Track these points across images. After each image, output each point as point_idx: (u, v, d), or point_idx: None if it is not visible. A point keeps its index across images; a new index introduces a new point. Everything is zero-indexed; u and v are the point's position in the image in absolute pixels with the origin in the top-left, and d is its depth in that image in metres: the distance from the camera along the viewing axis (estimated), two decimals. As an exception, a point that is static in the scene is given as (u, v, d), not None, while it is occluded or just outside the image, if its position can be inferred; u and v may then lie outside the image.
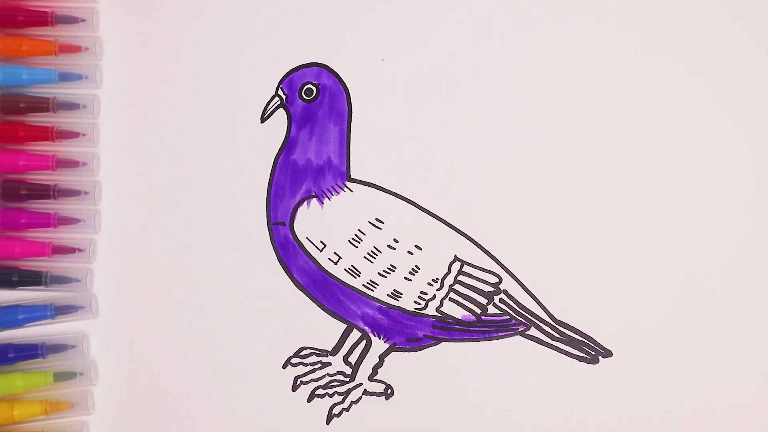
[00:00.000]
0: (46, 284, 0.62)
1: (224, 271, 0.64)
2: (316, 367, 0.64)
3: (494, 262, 0.64)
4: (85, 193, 0.63)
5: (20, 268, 0.62)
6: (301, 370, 0.64)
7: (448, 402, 0.63)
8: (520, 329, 0.64)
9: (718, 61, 0.65)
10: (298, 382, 0.63)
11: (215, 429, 0.63)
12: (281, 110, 0.65)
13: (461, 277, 0.64)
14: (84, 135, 0.63)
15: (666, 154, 0.64)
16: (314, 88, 0.65)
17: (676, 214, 0.64)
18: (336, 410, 0.63)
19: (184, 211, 0.64)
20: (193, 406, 0.63)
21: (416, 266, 0.63)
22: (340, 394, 0.64)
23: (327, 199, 0.64)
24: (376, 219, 0.64)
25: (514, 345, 0.64)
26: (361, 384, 0.64)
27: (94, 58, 0.64)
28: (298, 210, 0.64)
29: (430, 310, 0.64)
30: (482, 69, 0.65)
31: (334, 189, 0.64)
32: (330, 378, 0.64)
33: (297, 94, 0.64)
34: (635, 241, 0.64)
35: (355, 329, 0.64)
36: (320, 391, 0.64)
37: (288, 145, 0.64)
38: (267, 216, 0.64)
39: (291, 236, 0.64)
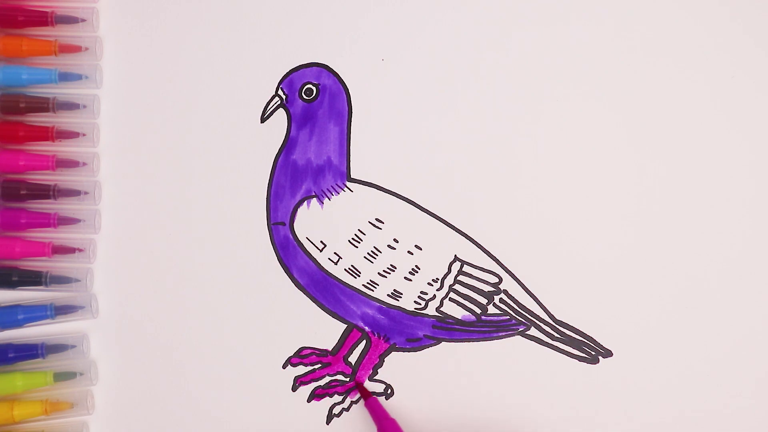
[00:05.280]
0: (46, 284, 0.62)
1: (224, 271, 0.64)
2: (316, 367, 0.64)
3: (494, 262, 0.64)
4: (85, 193, 0.63)
5: (20, 268, 0.62)
6: (302, 369, 0.64)
7: (447, 402, 0.63)
8: (520, 329, 0.64)
9: (718, 61, 0.65)
10: (298, 382, 0.63)
11: (215, 429, 0.63)
12: (281, 110, 0.65)
13: (461, 277, 0.64)
14: (84, 135, 0.63)
15: (666, 154, 0.64)
16: (314, 88, 0.65)
17: (676, 215, 0.64)
18: (336, 410, 0.63)
19: (184, 211, 0.64)
20: (193, 406, 0.63)
21: (416, 266, 0.64)
22: (340, 394, 0.64)
23: (327, 199, 0.64)
24: (376, 219, 0.64)
25: (514, 345, 0.64)
26: (362, 384, 0.64)
27: (94, 58, 0.64)
28: (298, 210, 0.64)
29: (430, 310, 0.64)
30: (482, 69, 0.65)
31: (334, 189, 0.64)
32: (330, 378, 0.64)
33: (297, 94, 0.65)
34: (635, 242, 0.64)
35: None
36: (320, 391, 0.64)
37: (288, 145, 0.64)
38: (267, 216, 0.64)
39: (291, 236, 0.64)
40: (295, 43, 0.65)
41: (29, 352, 0.62)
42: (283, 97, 0.64)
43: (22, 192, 0.62)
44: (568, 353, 0.64)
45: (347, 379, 0.64)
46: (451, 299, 0.64)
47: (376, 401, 0.62)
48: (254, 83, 0.65)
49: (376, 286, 0.63)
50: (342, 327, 0.64)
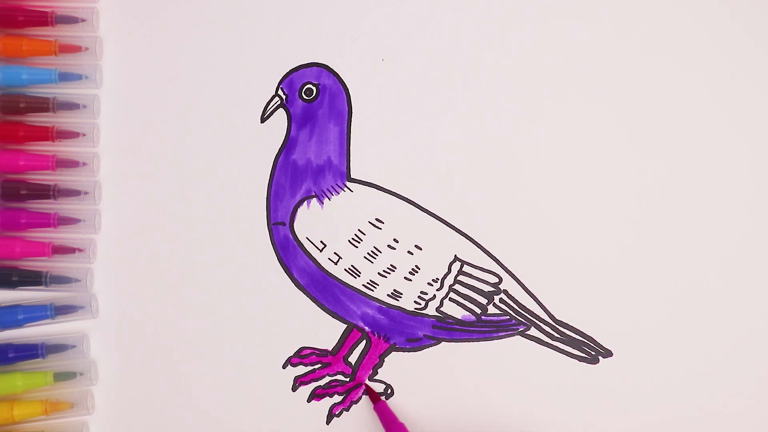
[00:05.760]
0: (46, 284, 0.62)
1: (224, 271, 0.64)
2: (316, 367, 0.64)
3: (494, 262, 0.64)
4: (85, 193, 0.63)
5: (20, 268, 0.62)
6: (302, 369, 0.64)
7: (447, 402, 0.63)
8: (520, 329, 0.64)
9: (718, 61, 0.65)
10: (298, 382, 0.63)
11: (215, 429, 0.63)
12: (281, 110, 0.65)
13: (461, 277, 0.64)
14: (84, 135, 0.63)
15: (666, 154, 0.64)
16: (314, 88, 0.65)
17: (675, 215, 0.64)
18: (336, 410, 0.63)
19: (184, 211, 0.64)
20: (193, 406, 0.63)
21: (416, 266, 0.64)
22: (340, 394, 0.64)
23: (327, 199, 0.64)
24: (376, 219, 0.64)
25: (514, 345, 0.64)
26: (361, 384, 0.64)
27: (94, 58, 0.64)
28: (298, 210, 0.64)
29: (430, 310, 0.64)
30: (482, 69, 0.65)
31: (334, 189, 0.64)
32: (330, 378, 0.64)
33: (297, 94, 0.65)
34: (635, 242, 0.64)
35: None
36: (320, 391, 0.64)
37: (288, 145, 0.64)
38: (267, 216, 0.64)
39: (291, 236, 0.64)
40: (295, 43, 0.65)
41: (29, 352, 0.62)
42: (283, 97, 0.64)
43: (22, 192, 0.62)
44: (568, 353, 0.64)
45: (347, 379, 0.64)
46: (451, 299, 0.63)
47: (385, 405, 0.62)
48: (254, 83, 0.65)
49: (376, 286, 0.63)
50: (342, 327, 0.64)
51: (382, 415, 0.62)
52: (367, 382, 0.64)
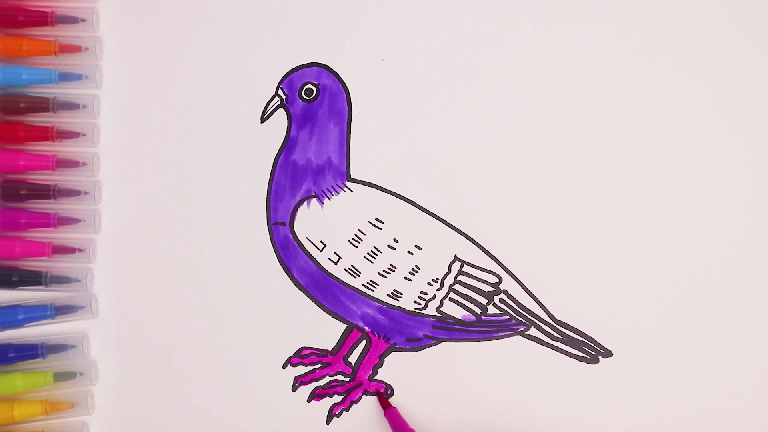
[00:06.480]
0: (46, 284, 0.62)
1: (224, 271, 0.64)
2: (316, 367, 0.64)
3: (494, 262, 0.64)
4: (85, 193, 0.63)
5: (20, 268, 0.62)
6: (302, 369, 0.64)
7: (448, 402, 0.63)
8: (520, 329, 0.64)
9: (718, 61, 0.65)
10: (298, 382, 0.63)
11: (215, 429, 0.63)
12: (281, 110, 0.65)
13: (461, 277, 0.64)
14: (84, 135, 0.63)
15: (666, 154, 0.64)
16: (314, 88, 0.65)
17: (676, 215, 0.64)
18: (336, 410, 0.63)
19: (184, 211, 0.64)
20: (193, 406, 0.63)
21: (416, 266, 0.64)
22: (340, 394, 0.64)
23: (327, 199, 0.64)
24: (376, 219, 0.64)
25: (514, 345, 0.64)
26: (361, 384, 0.64)
27: (94, 58, 0.64)
28: (298, 210, 0.64)
29: (430, 310, 0.64)
30: (482, 69, 0.65)
31: (334, 189, 0.64)
32: (330, 378, 0.64)
33: (297, 94, 0.65)
34: (635, 242, 0.64)
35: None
36: (320, 391, 0.64)
37: (288, 145, 0.64)
38: (267, 216, 0.64)
39: (291, 236, 0.64)
40: (295, 43, 0.65)
41: (29, 352, 0.62)
42: (283, 97, 0.64)
43: (22, 192, 0.62)
44: (568, 353, 0.64)
45: (347, 379, 0.64)
46: (451, 299, 0.63)
47: (396, 411, 0.62)
48: (254, 83, 0.65)
49: (376, 286, 0.63)
50: (342, 327, 0.64)
51: (393, 421, 0.62)
52: (378, 390, 0.63)
